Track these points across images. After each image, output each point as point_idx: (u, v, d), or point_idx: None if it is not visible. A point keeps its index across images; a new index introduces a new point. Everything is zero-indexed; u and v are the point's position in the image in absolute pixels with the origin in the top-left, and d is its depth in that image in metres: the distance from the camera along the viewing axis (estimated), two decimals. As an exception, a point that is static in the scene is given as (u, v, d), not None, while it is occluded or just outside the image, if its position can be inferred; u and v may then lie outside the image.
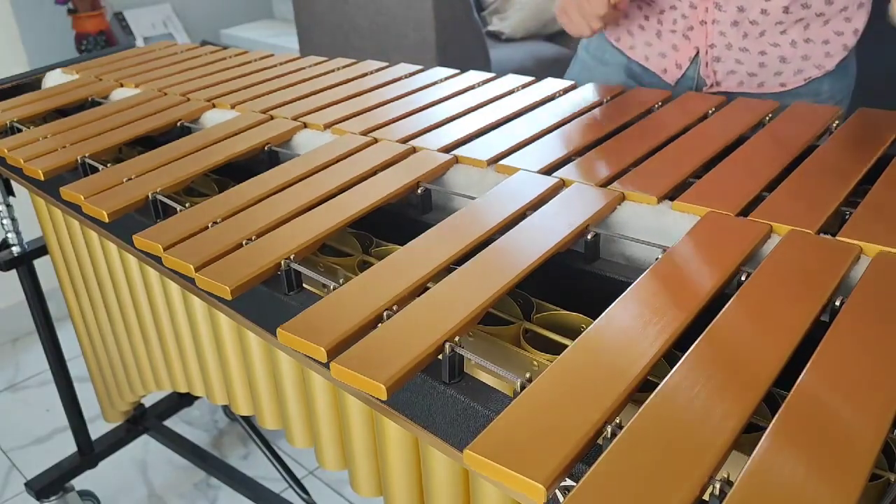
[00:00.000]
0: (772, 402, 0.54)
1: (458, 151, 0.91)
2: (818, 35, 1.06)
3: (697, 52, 1.11)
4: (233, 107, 1.14)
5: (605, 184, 0.80)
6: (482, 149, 0.91)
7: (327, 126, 1.03)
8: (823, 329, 0.56)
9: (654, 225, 0.74)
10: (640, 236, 0.74)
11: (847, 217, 0.70)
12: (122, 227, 0.93)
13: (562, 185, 0.81)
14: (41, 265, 1.44)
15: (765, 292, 0.60)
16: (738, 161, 0.83)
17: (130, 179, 0.92)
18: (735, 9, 1.05)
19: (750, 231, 0.68)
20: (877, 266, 0.63)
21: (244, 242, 0.75)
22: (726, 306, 0.59)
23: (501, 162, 0.87)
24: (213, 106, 1.16)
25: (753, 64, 1.09)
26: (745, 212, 0.72)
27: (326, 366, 0.58)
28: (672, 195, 0.77)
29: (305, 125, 1.05)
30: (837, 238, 0.67)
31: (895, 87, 1.67)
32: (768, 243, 0.68)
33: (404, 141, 0.95)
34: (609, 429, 0.49)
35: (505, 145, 0.91)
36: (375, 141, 0.96)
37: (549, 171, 0.84)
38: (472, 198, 0.81)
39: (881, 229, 0.67)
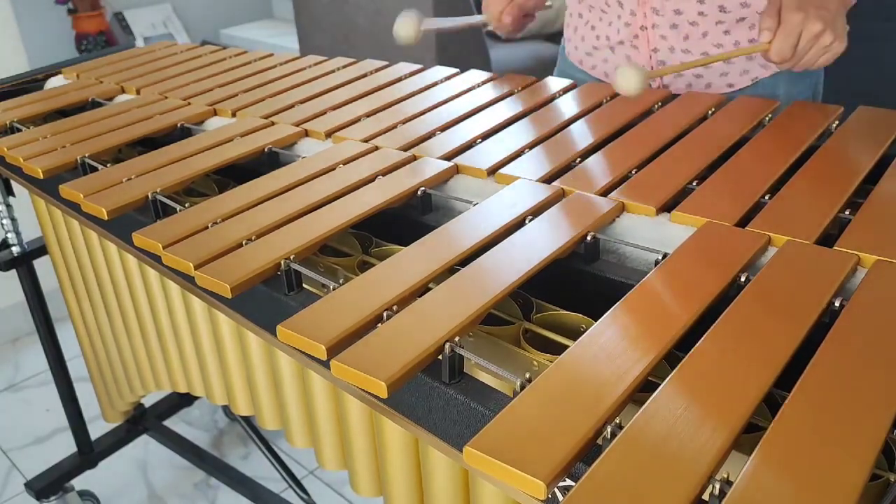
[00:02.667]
0: (772, 402, 0.54)
1: (459, 160, 0.91)
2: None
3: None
4: (233, 113, 1.14)
5: (605, 192, 0.80)
6: (482, 156, 0.91)
7: (328, 134, 1.03)
8: (823, 332, 0.56)
9: (653, 234, 0.74)
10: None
11: (847, 222, 0.70)
12: (122, 226, 0.94)
13: (562, 193, 0.81)
14: (41, 265, 1.44)
15: (763, 300, 0.60)
16: (737, 167, 0.83)
17: (130, 179, 0.92)
18: (672, 12, 1.06)
19: (748, 242, 0.68)
20: (874, 276, 0.63)
21: (244, 242, 0.75)
22: (725, 312, 0.59)
23: (501, 171, 0.87)
24: (215, 112, 1.15)
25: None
26: (743, 221, 0.72)
27: (326, 364, 0.58)
28: (671, 203, 0.77)
29: (307, 132, 1.05)
30: (835, 248, 0.67)
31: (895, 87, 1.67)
32: (766, 254, 0.68)
33: (405, 148, 0.95)
34: (609, 429, 0.49)
35: (505, 152, 0.91)
36: (376, 148, 0.96)
37: (548, 179, 0.85)
38: (472, 203, 0.81)
39: (878, 239, 0.67)
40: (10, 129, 1.18)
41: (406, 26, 1.09)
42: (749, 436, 0.50)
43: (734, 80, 1.10)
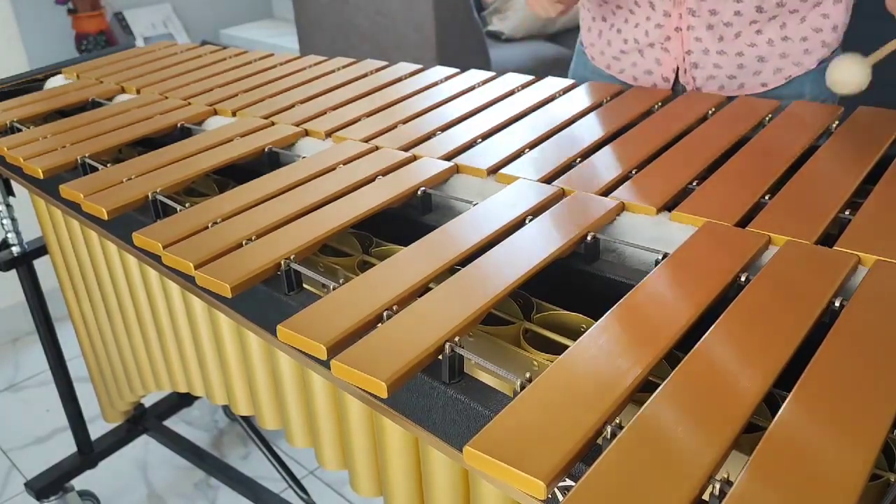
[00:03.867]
0: (772, 402, 0.54)
1: (459, 159, 0.91)
2: (795, 32, 1.05)
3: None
4: (234, 113, 1.14)
5: (605, 192, 0.80)
6: (482, 156, 0.91)
7: (328, 133, 1.03)
8: (824, 332, 0.56)
9: (653, 234, 0.74)
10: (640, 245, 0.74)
11: (847, 222, 0.70)
12: (122, 226, 0.94)
13: (562, 193, 0.81)
14: (41, 265, 1.44)
15: (763, 300, 0.60)
16: (737, 167, 0.83)
17: (130, 179, 0.92)
18: (708, 13, 1.05)
19: (748, 242, 0.68)
20: (874, 275, 0.63)
21: (244, 242, 0.75)
22: (725, 312, 0.59)
23: (502, 171, 0.87)
24: (215, 112, 1.15)
25: (732, 66, 1.08)
26: (743, 221, 0.72)
27: (327, 364, 0.58)
28: (672, 203, 0.77)
29: (307, 132, 1.05)
30: (835, 248, 0.67)
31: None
32: (766, 253, 0.68)
33: (405, 148, 0.95)
34: (609, 429, 0.49)
35: (505, 152, 0.91)
36: (376, 148, 0.96)
37: (549, 179, 0.85)
38: (472, 203, 0.81)
39: (878, 239, 0.67)
40: (10, 129, 1.18)
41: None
42: (749, 436, 0.50)
43: (767, 80, 1.09)
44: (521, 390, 0.53)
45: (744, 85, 1.10)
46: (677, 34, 1.08)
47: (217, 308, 0.86)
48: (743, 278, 0.64)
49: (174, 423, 1.83)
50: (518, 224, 0.75)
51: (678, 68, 1.11)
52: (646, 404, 0.50)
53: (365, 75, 1.26)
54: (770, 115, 0.95)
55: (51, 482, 1.58)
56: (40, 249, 1.42)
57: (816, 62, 1.08)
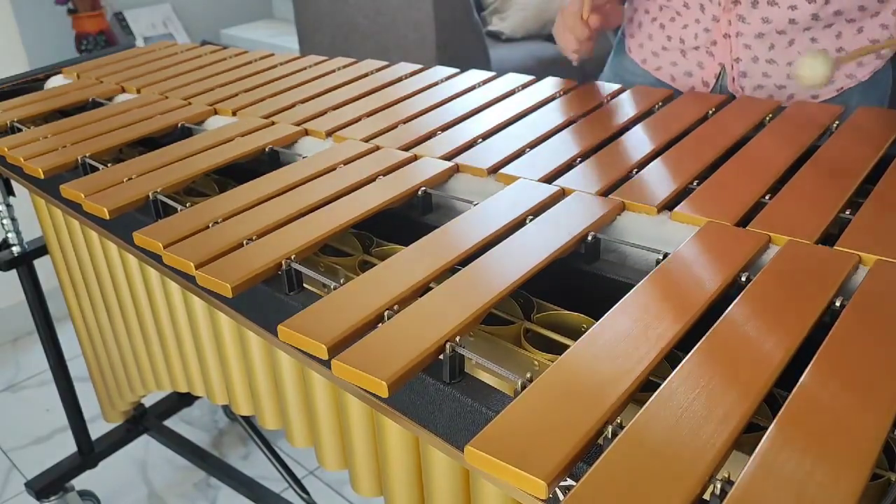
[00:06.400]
0: (773, 402, 0.54)
1: (459, 159, 0.91)
2: (851, 43, 1.00)
3: (723, 68, 1.08)
4: (234, 112, 1.14)
5: (605, 192, 0.80)
6: (483, 156, 0.91)
7: (329, 133, 1.03)
8: (824, 332, 0.56)
9: (653, 234, 0.74)
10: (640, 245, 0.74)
11: (847, 222, 0.70)
12: (122, 226, 0.94)
13: (562, 193, 0.81)
14: (41, 265, 1.44)
15: (764, 300, 0.60)
16: (738, 166, 0.83)
17: (131, 179, 0.92)
18: (759, 20, 1.00)
19: (748, 241, 0.68)
20: (874, 275, 0.63)
21: (245, 242, 0.75)
22: (726, 312, 0.59)
23: (502, 171, 0.87)
24: (215, 112, 1.15)
25: (781, 76, 1.04)
26: (744, 221, 0.72)
27: (327, 364, 0.58)
28: (672, 203, 0.77)
29: (307, 132, 1.05)
30: (835, 248, 0.67)
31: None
32: (767, 253, 0.68)
33: (405, 148, 0.95)
34: (610, 429, 0.49)
35: (505, 152, 0.91)
36: (377, 148, 0.96)
37: (549, 179, 0.85)
38: (472, 202, 0.81)
39: (879, 239, 0.67)
40: (11, 129, 1.18)
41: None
42: (750, 435, 0.50)
43: (819, 92, 1.05)
44: (521, 390, 0.53)
45: (794, 95, 1.05)
46: (725, 41, 1.05)
47: (217, 308, 0.86)
48: (743, 278, 0.64)
49: (174, 423, 1.83)
50: (518, 224, 0.75)
51: (720, 73, 1.08)
52: (647, 404, 0.50)
53: (365, 75, 1.26)
54: (770, 115, 0.95)
55: (51, 482, 1.58)
56: (40, 249, 1.42)
57: (870, 73, 1.04)
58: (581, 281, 0.73)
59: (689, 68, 1.11)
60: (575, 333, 0.61)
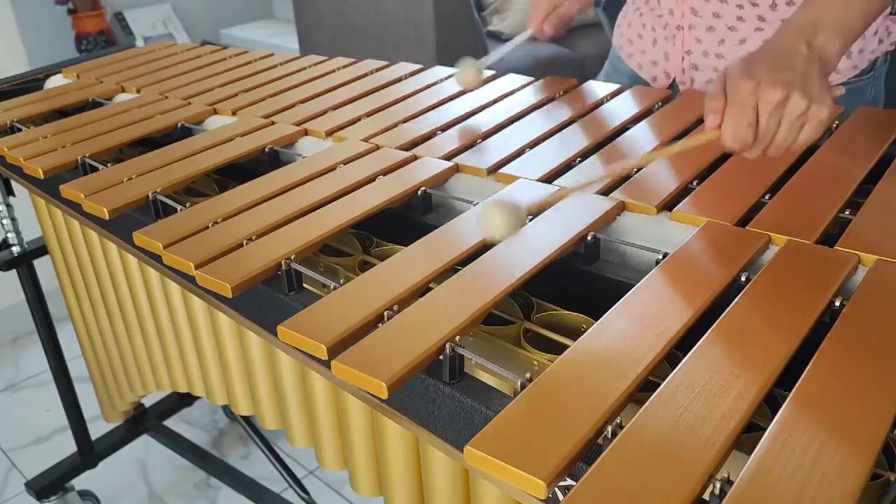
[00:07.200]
0: (772, 402, 0.54)
1: (459, 159, 0.91)
2: None
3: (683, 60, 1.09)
4: (234, 112, 1.14)
5: (605, 192, 0.80)
6: (482, 156, 0.91)
7: (329, 133, 1.03)
8: (824, 332, 0.56)
9: (653, 234, 0.74)
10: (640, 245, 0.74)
11: (847, 222, 0.70)
12: (122, 226, 0.93)
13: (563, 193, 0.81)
14: (41, 265, 1.44)
15: (764, 300, 0.60)
16: (737, 166, 0.83)
17: (131, 179, 0.92)
18: (711, 14, 1.01)
19: (748, 241, 0.68)
20: (874, 275, 0.63)
21: (245, 242, 0.75)
22: (726, 312, 0.59)
23: (501, 171, 0.87)
24: (215, 112, 1.15)
25: None
26: (743, 221, 0.72)
27: (327, 364, 0.58)
28: (672, 203, 0.77)
29: (307, 132, 1.05)
30: (835, 248, 0.67)
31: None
32: (767, 253, 0.68)
33: (405, 148, 0.95)
34: (609, 429, 0.49)
35: (505, 152, 0.91)
36: (377, 147, 0.96)
37: (548, 178, 0.84)
38: (472, 202, 0.81)
39: (878, 239, 0.67)
40: (11, 129, 1.18)
41: (468, 75, 1.09)
42: (749, 435, 0.50)
43: None
44: (521, 390, 0.53)
45: None
46: (679, 32, 1.06)
47: (217, 308, 0.86)
48: (743, 278, 0.64)
49: (174, 423, 1.83)
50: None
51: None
52: (646, 404, 0.50)
53: (365, 75, 1.26)
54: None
55: (51, 482, 1.58)
56: (40, 249, 1.42)
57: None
58: (581, 281, 0.73)
59: (656, 58, 1.12)
60: (574, 333, 0.61)
